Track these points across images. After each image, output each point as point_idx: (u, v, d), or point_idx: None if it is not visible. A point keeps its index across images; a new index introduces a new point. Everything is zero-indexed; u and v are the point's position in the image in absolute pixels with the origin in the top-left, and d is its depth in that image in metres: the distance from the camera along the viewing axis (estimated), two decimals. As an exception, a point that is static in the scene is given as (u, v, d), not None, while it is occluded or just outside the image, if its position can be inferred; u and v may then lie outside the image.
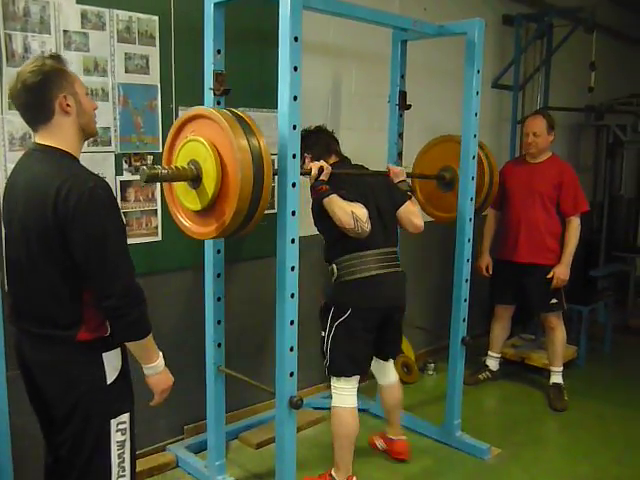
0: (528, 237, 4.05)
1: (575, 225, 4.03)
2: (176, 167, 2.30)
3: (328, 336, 2.94)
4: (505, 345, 4.80)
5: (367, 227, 2.78)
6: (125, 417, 2.04)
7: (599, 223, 6.18)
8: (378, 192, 3.00)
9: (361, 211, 2.78)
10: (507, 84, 5.19)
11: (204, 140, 2.27)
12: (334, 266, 2.93)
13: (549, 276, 4.01)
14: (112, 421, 2.00)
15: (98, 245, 1.85)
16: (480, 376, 4.35)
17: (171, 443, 3.33)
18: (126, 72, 2.90)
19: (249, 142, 2.24)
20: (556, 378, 4.17)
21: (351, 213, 2.75)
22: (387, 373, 3.24)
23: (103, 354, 1.96)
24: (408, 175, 3.34)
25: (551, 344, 4.18)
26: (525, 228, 4.06)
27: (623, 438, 3.71)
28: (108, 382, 1.97)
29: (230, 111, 2.35)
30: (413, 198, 3.17)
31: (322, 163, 2.85)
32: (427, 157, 3.75)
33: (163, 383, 2.08)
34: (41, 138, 1.94)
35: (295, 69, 2.33)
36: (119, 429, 2.02)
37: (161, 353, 2.07)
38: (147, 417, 3.21)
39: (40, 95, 1.89)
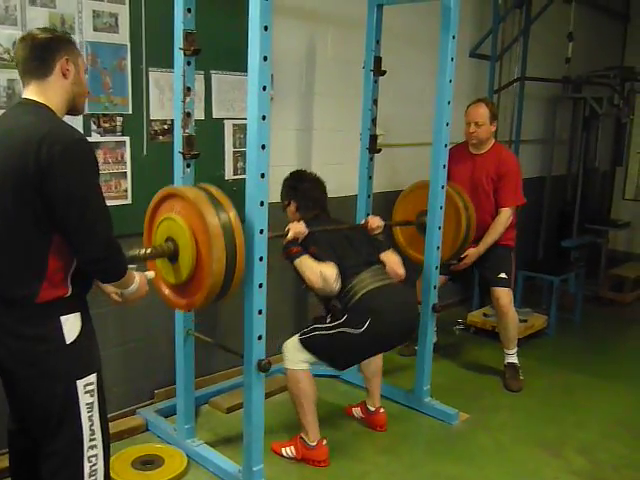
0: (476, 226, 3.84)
1: (505, 216, 3.94)
2: (154, 247, 2.41)
3: (327, 330, 2.89)
4: (476, 314, 4.86)
5: (336, 287, 2.84)
6: (92, 378, 1.99)
7: (573, 195, 6.21)
8: (355, 240, 3.07)
9: (330, 270, 2.83)
10: (485, 54, 5.16)
11: (178, 219, 2.35)
12: (336, 302, 2.91)
13: (462, 255, 3.90)
14: (78, 382, 1.95)
15: (80, 197, 1.83)
16: (416, 347, 4.10)
17: (141, 407, 3.33)
18: (94, 30, 2.83)
19: (220, 219, 2.30)
20: (511, 358, 4.04)
21: (319, 273, 2.81)
22: None
23: (61, 317, 1.92)
24: (387, 225, 3.39)
25: (503, 329, 4.03)
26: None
27: (589, 405, 3.77)
28: (67, 342, 1.92)
29: (200, 187, 2.43)
30: (392, 248, 3.23)
31: (300, 227, 2.89)
32: (405, 202, 3.81)
33: (139, 295, 2.11)
34: (31, 94, 1.94)
35: (265, 28, 2.29)
36: (87, 390, 1.97)
37: (134, 271, 2.07)
38: (117, 381, 3.21)
39: (45, 51, 1.93)
